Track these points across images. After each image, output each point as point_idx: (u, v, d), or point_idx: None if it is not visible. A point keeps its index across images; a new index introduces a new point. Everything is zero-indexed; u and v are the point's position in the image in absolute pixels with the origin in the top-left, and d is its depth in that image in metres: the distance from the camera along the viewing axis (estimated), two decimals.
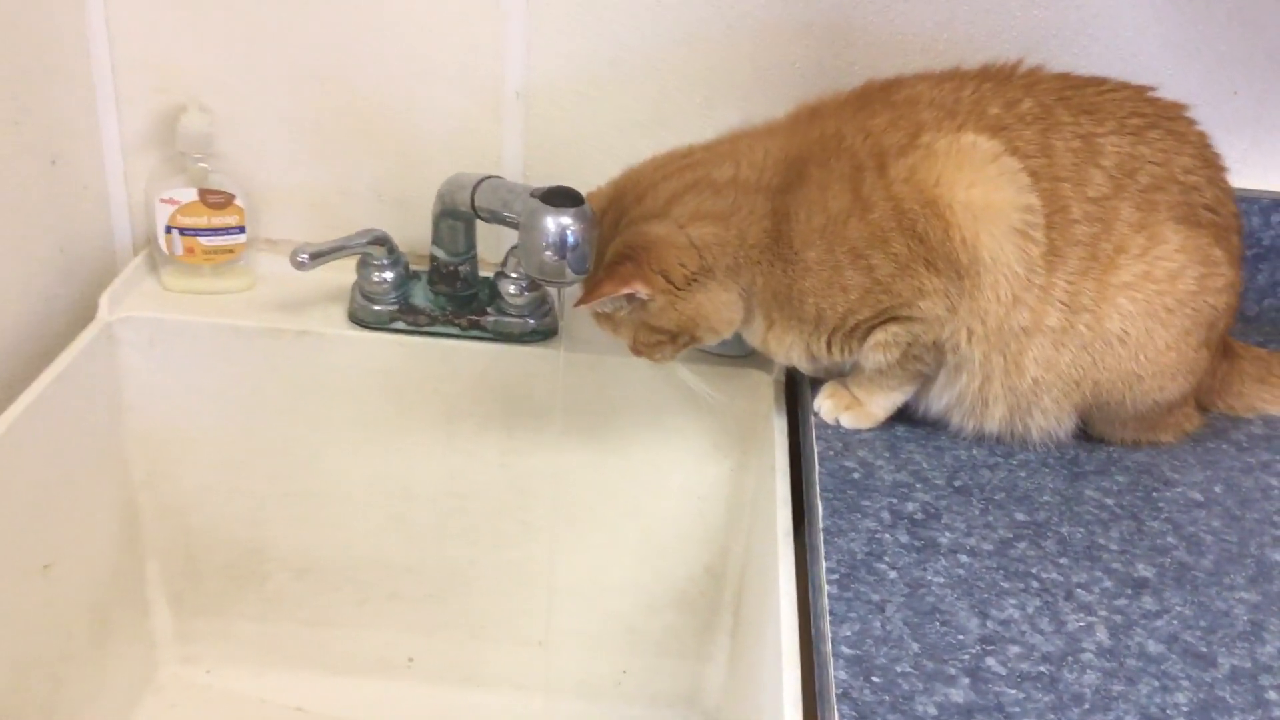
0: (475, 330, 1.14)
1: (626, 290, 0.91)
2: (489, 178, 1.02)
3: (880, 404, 0.97)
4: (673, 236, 0.92)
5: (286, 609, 1.27)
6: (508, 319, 1.14)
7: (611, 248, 0.93)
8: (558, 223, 0.88)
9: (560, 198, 0.89)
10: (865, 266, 0.90)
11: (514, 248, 1.12)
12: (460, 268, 1.13)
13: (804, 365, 0.98)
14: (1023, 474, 0.93)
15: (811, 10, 1.10)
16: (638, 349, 0.98)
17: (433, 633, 1.27)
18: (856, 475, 0.92)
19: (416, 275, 1.17)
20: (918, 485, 0.91)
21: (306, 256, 1.08)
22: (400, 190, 1.21)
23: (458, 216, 1.08)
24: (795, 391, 1.10)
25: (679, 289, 0.92)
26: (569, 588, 1.24)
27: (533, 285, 1.13)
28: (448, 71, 1.15)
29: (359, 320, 1.15)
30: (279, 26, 1.14)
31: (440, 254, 1.13)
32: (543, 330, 1.15)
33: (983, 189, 0.88)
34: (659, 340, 0.96)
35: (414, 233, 1.20)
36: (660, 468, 1.18)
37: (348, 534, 1.23)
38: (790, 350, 0.97)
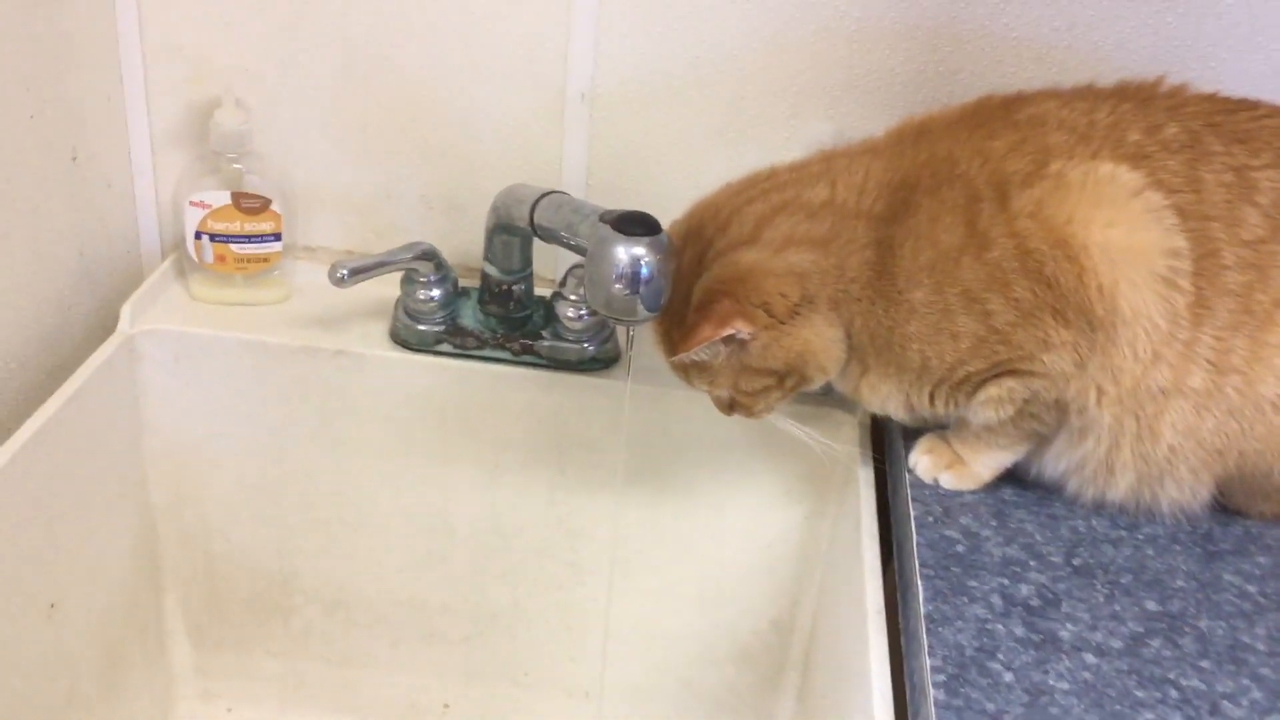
0: (528, 356, 1.04)
1: (727, 331, 0.80)
2: (552, 193, 0.91)
3: (987, 464, 0.86)
4: (768, 263, 0.81)
5: (314, 646, 1.17)
6: (564, 345, 1.03)
7: (699, 286, 0.82)
8: (630, 253, 0.77)
9: (634, 224, 0.78)
10: (980, 312, 0.79)
11: (574, 267, 1.02)
12: (514, 287, 1.03)
13: (900, 416, 0.87)
14: (1150, 551, 0.82)
15: (915, 11, 0.98)
16: (738, 401, 0.86)
17: (471, 679, 1.17)
18: (960, 548, 0.81)
19: (466, 293, 1.07)
20: (1031, 563, 0.80)
21: (346, 272, 0.98)
22: (451, 197, 1.10)
23: (513, 232, 0.98)
24: (882, 436, 0.98)
25: (782, 322, 0.81)
26: (620, 636, 1.13)
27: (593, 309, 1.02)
28: (506, 67, 1.04)
29: (401, 340, 1.04)
30: (323, 14, 1.04)
31: (492, 271, 1.02)
32: (602, 358, 1.04)
33: (1124, 229, 0.76)
34: (765, 386, 0.84)
35: (465, 243, 1.10)
36: (725, 511, 1.07)
37: (381, 569, 1.13)
38: (887, 400, 0.86)
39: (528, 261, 1.03)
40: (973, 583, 0.78)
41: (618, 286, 0.78)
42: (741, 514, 1.07)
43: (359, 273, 0.99)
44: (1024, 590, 0.77)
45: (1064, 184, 0.78)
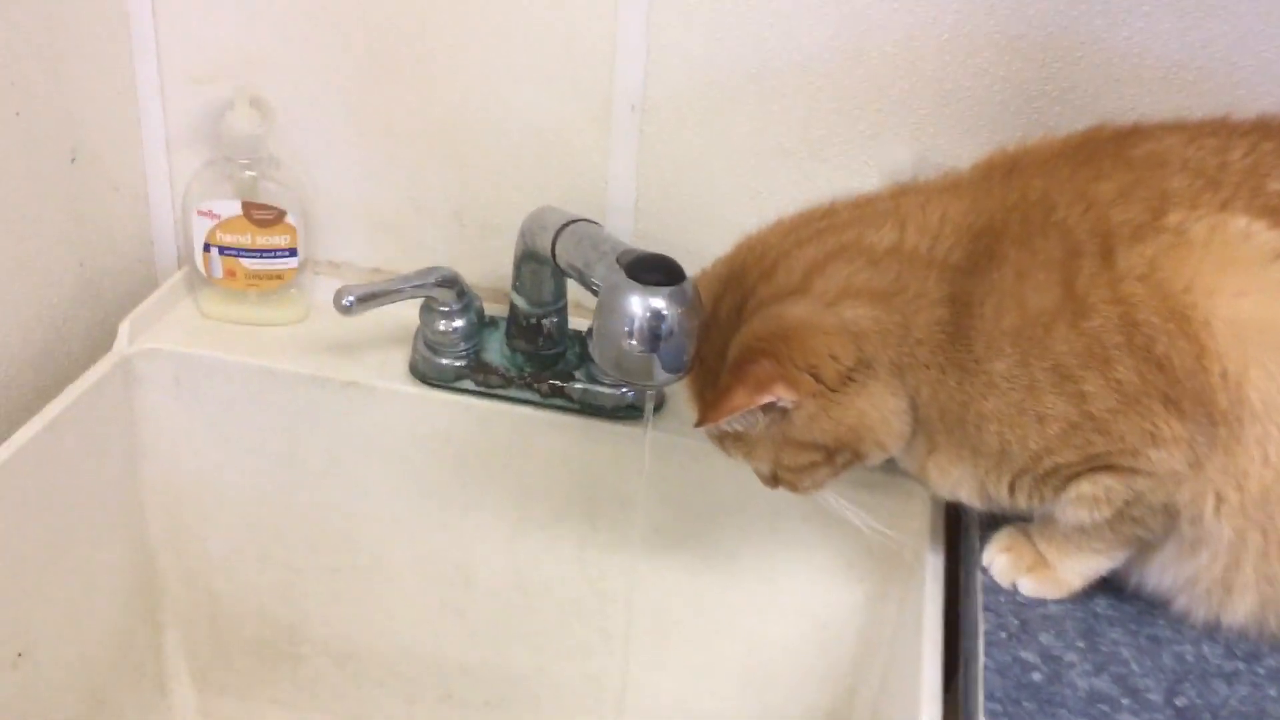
0: (558, 399, 0.92)
1: (765, 398, 0.67)
2: (577, 221, 0.78)
3: (1076, 570, 0.72)
4: (819, 319, 0.68)
5: (323, 698, 1.07)
6: (599, 389, 0.91)
7: (737, 341, 0.69)
8: (646, 305, 0.64)
9: (652, 270, 0.65)
10: (1074, 394, 0.64)
11: None
12: (544, 320, 0.91)
13: (973, 504, 0.73)
14: (1273, 691, 0.67)
15: (1019, 19, 0.83)
16: (780, 477, 0.74)
17: None
18: (1037, 676, 0.67)
19: (493, 324, 0.95)
20: (1124, 700, 0.65)
21: (353, 300, 0.87)
22: (485, 215, 0.99)
23: (542, 261, 0.86)
24: (957, 518, 0.84)
25: (833, 389, 0.68)
26: (652, 713, 1.01)
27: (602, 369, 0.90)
28: (548, 73, 0.92)
29: (420, 374, 0.93)
30: (348, 9, 0.93)
31: (521, 303, 0.90)
32: (641, 405, 0.91)
33: (1257, 300, 0.61)
34: (811, 462, 0.71)
35: (499, 266, 0.99)
36: (775, 584, 0.94)
37: (396, 621, 1.03)
38: (958, 486, 0.72)
39: (561, 293, 0.91)
40: None
41: (630, 344, 0.65)
42: (794, 588, 0.94)
43: (368, 300, 0.88)
44: None
45: (1184, 241, 0.63)
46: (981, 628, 0.70)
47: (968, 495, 0.72)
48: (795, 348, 0.68)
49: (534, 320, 0.90)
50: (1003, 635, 0.69)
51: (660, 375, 0.66)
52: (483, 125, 0.95)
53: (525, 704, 1.04)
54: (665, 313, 0.64)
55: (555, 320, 0.91)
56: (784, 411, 0.69)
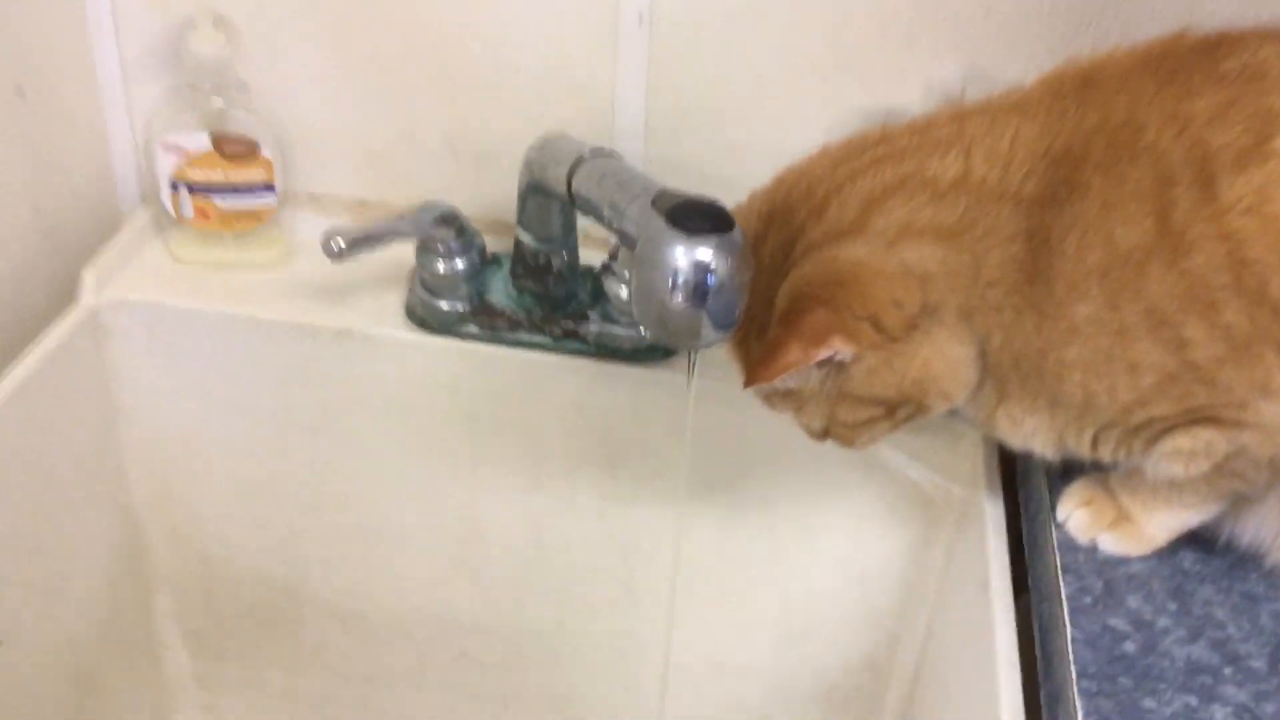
0: (571, 341, 0.84)
1: (822, 353, 0.60)
2: (597, 153, 0.70)
3: (1163, 525, 0.66)
4: (879, 261, 0.61)
5: (327, 661, 1.01)
6: (616, 329, 0.83)
7: (786, 287, 0.62)
8: (692, 257, 0.56)
9: (698, 216, 0.57)
10: (1172, 340, 0.57)
11: None
12: (553, 258, 0.83)
13: (1046, 454, 0.67)
14: None
15: None
16: (834, 433, 0.67)
17: (508, 705, 1.01)
18: (1130, 647, 0.61)
19: (496, 261, 0.87)
20: (1226, 670, 0.60)
21: (343, 243, 0.79)
22: (481, 143, 0.90)
23: (550, 194, 0.77)
24: (1013, 462, 0.78)
25: (895, 339, 0.61)
26: (683, 666, 0.95)
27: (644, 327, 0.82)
28: None
29: (418, 320, 0.85)
30: None
31: (527, 239, 0.82)
32: (662, 346, 0.84)
33: None
34: (870, 417, 0.65)
35: (497, 197, 0.90)
36: (812, 532, 0.88)
37: (404, 581, 0.96)
38: (1031, 437, 0.65)
39: (570, 227, 0.82)
40: (1149, 702, 0.58)
41: (677, 300, 0.57)
42: (833, 537, 0.88)
43: (360, 243, 0.80)
44: (1220, 716, 0.57)
45: None
46: (1063, 593, 0.63)
47: (1041, 446, 0.65)
48: (854, 294, 0.60)
49: (542, 258, 0.82)
50: (1087, 600, 0.63)
51: (709, 334, 0.58)
52: (477, 43, 0.86)
53: (545, 661, 0.98)
54: (714, 265, 0.56)
55: (565, 257, 0.83)
56: (841, 365, 0.62)
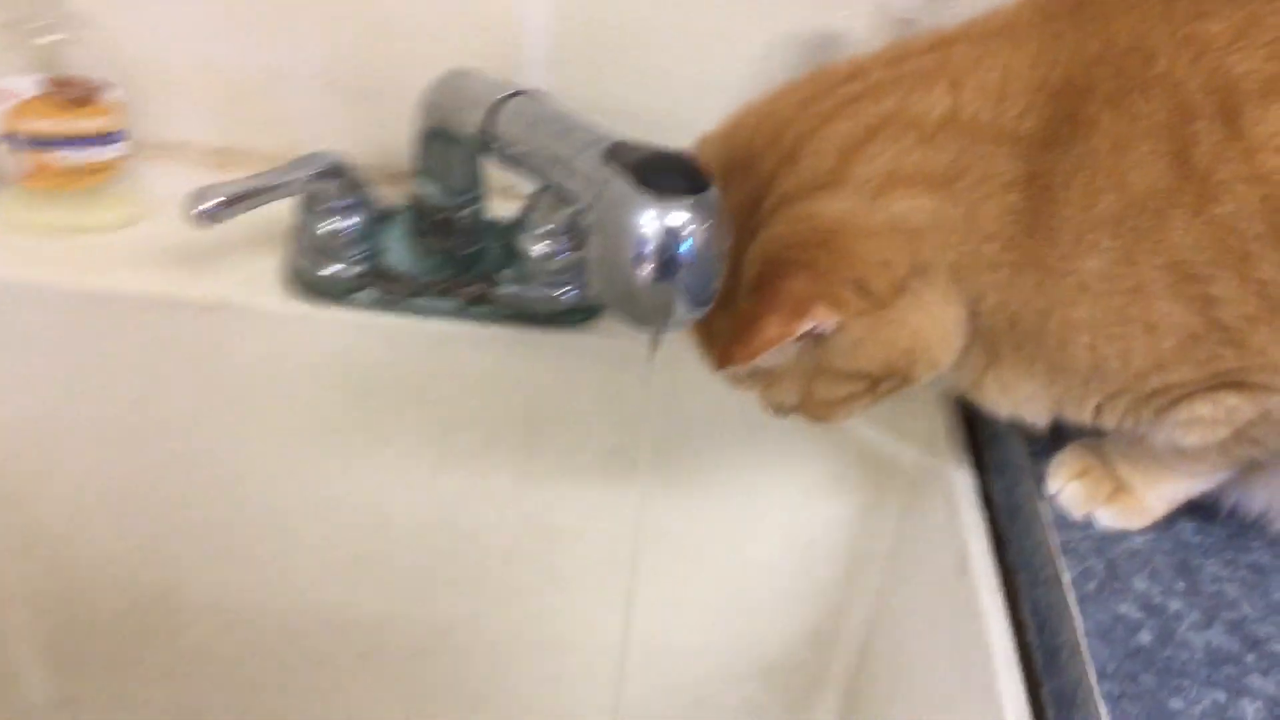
0: (481, 307, 0.74)
1: (805, 324, 0.52)
2: (518, 93, 0.60)
3: (1164, 496, 0.60)
4: (863, 217, 0.52)
5: (211, 669, 0.91)
6: (532, 291, 0.74)
7: (755, 250, 0.53)
8: (664, 222, 0.47)
9: (666, 173, 0.48)
10: (1198, 297, 0.51)
11: (544, 189, 0.71)
12: (459, 213, 0.72)
13: (1035, 421, 0.60)
14: None
15: None
16: (808, 410, 0.59)
17: (421, 702, 0.91)
18: (1146, 638, 0.55)
19: (389, 216, 0.77)
20: (1249, 658, 0.54)
21: (212, 205, 0.67)
22: (365, 78, 0.79)
23: (457, 140, 0.67)
24: (975, 424, 0.72)
25: (883, 305, 0.53)
26: (609, 651, 0.88)
27: (576, 240, 0.73)
28: None
29: (303, 288, 0.74)
30: None
31: (429, 193, 0.72)
32: (584, 308, 0.75)
33: None
34: (850, 393, 0.57)
35: (384, 141, 0.80)
36: (754, 502, 0.81)
37: (296, 577, 0.86)
38: (1022, 404, 0.58)
39: (476, 178, 0.72)
40: (1176, 702, 0.52)
41: (645, 274, 0.48)
42: (777, 505, 0.81)
43: (235, 203, 0.68)
44: (1250, 713, 0.52)
45: None
46: (1065, 576, 0.57)
47: (1033, 414, 0.59)
48: (837, 256, 0.52)
49: (446, 213, 0.72)
50: (1091, 585, 0.57)
51: (683, 312, 0.49)
52: None
53: (460, 654, 0.89)
54: (689, 231, 0.47)
55: (472, 211, 0.73)
56: (820, 336, 0.54)
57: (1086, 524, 0.60)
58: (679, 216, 0.47)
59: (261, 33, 0.77)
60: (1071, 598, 0.56)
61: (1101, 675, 0.52)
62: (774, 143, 0.55)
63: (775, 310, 0.52)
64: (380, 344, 0.75)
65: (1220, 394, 0.53)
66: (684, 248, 0.47)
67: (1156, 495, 0.60)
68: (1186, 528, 0.61)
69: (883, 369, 0.55)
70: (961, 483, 0.68)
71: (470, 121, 0.62)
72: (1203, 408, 0.53)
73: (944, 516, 0.69)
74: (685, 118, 0.77)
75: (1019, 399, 0.58)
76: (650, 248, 0.47)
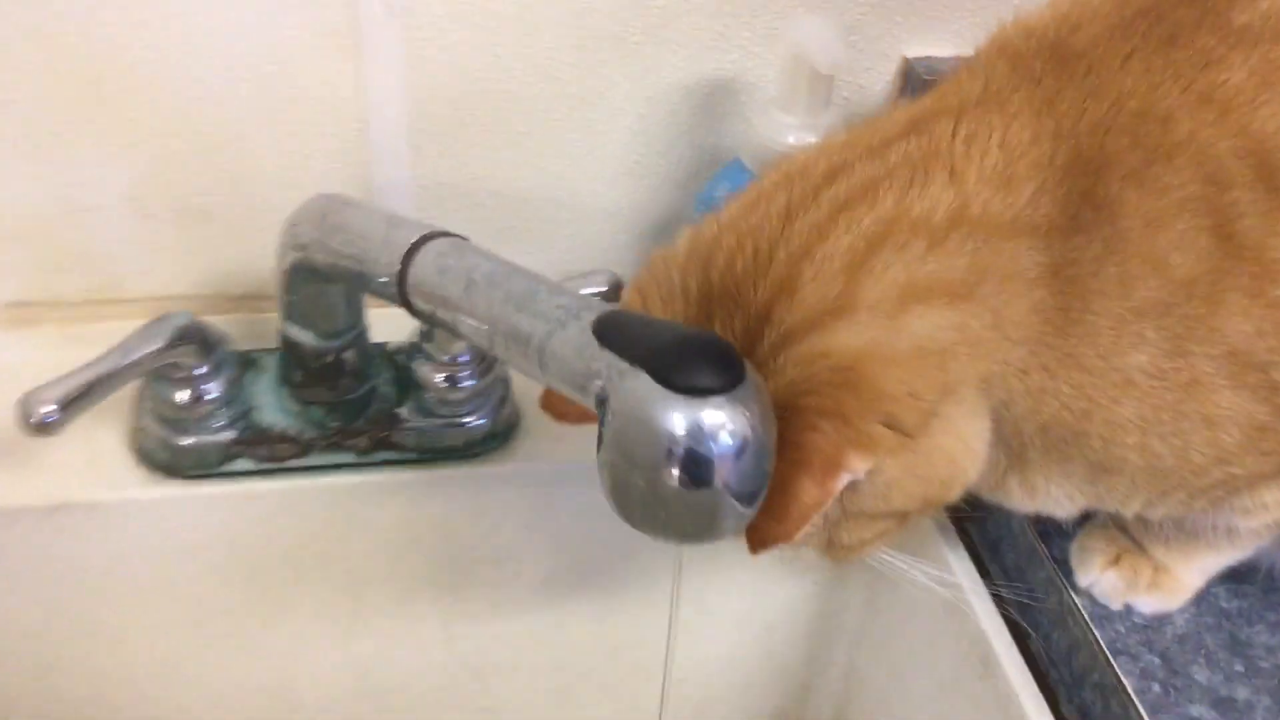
0: (385, 452, 0.64)
1: (843, 481, 0.44)
2: (434, 236, 0.49)
3: (1205, 571, 0.56)
4: (886, 345, 0.45)
5: None
6: (438, 423, 0.64)
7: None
8: (700, 428, 0.38)
9: (692, 362, 0.38)
10: (1263, 386, 0.46)
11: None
12: (344, 354, 0.61)
13: (1064, 515, 0.54)
14: None
15: None
16: (830, 553, 0.51)
17: None
18: None
19: (253, 363, 0.65)
20: None
21: (46, 414, 0.54)
22: (184, 196, 0.66)
23: (336, 279, 0.56)
24: None
25: (913, 436, 0.45)
26: None
27: (483, 362, 0.63)
28: None
29: (160, 465, 0.62)
30: None
31: (305, 338, 0.60)
32: (499, 432, 0.65)
33: None
34: (881, 531, 0.50)
35: (221, 265, 0.67)
36: (704, 598, 0.74)
37: None
38: (1052, 504, 0.52)
39: (357, 311, 0.61)
40: None
41: (675, 482, 0.39)
42: (729, 596, 0.74)
43: (77, 403, 0.55)
44: None
45: None
46: (1129, 688, 0.52)
47: (1063, 511, 0.53)
48: (863, 394, 0.45)
49: (329, 357, 0.61)
50: (1155, 689, 0.52)
51: (731, 522, 0.40)
52: (164, 62, 0.61)
53: None
54: (733, 430, 0.38)
55: (356, 351, 0.62)
56: (850, 484, 0.46)
57: (1123, 613, 0.55)
58: (715, 417, 0.38)
59: (45, 154, 0.63)
60: (1141, 709, 0.51)
61: None
62: (761, 267, 0.46)
63: (807, 473, 0.44)
64: (267, 513, 0.64)
65: None
66: (729, 450, 0.38)
67: (1197, 571, 0.55)
68: (1219, 593, 0.57)
69: (920, 504, 0.48)
70: (957, 565, 0.62)
71: (362, 264, 0.51)
72: (1269, 494, 0.49)
73: (934, 603, 0.63)
74: (567, 191, 0.69)
75: (1046, 501, 0.52)
76: (683, 456, 0.38)
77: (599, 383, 0.40)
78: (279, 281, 0.58)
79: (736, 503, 0.40)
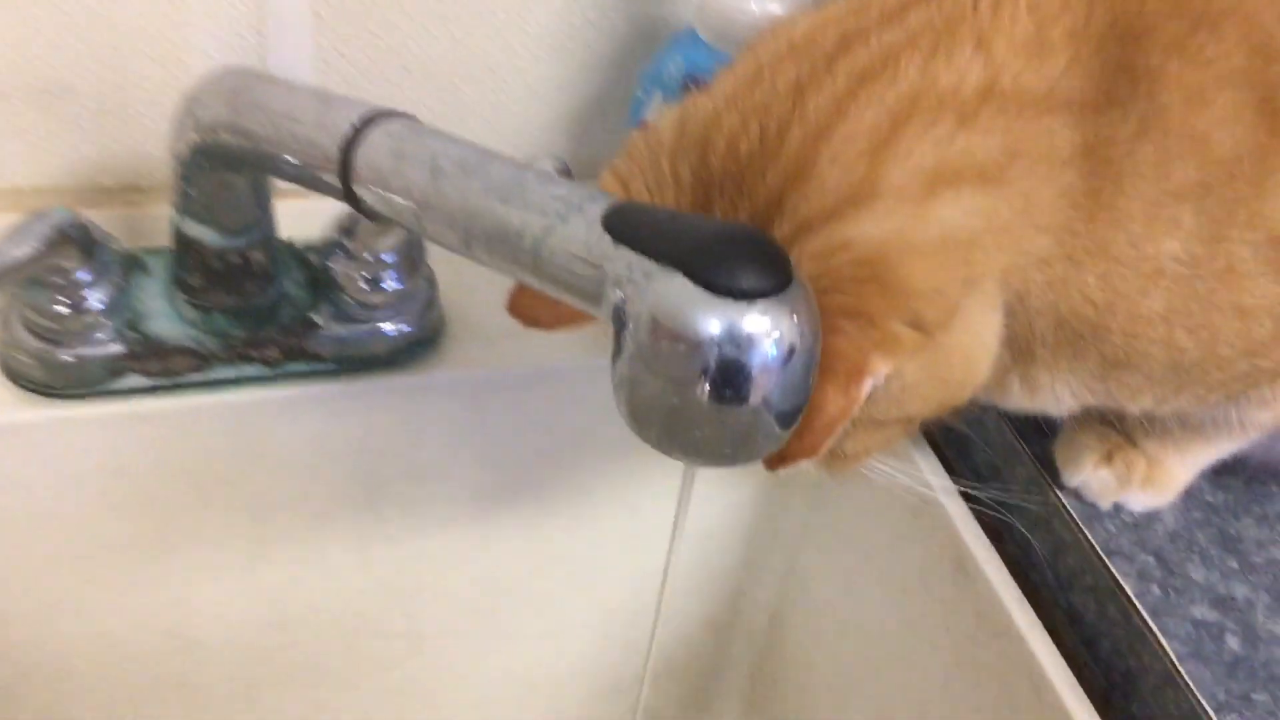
0: (299, 363, 0.57)
1: (868, 387, 0.40)
2: (381, 115, 0.42)
3: (1198, 463, 0.54)
4: (912, 234, 0.40)
5: None
6: (358, 329, 0.57)
7: None
8: (745, 337, 0.32)
9: (743, 263, 0.33)
10: None
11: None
12: (251, 253, 0.53)
13: (1060, 412, 0.51)
14: None
15: None
16: (829, 465, 0.47)
17: None
18: (1234, 643, 0.49)
19: (140, 265, 0.56)
20: None
21: None
22: (39, 70, 0.56)
23: (242, 164, 0.48)
24: None
25: (934, 334, 0.41)
26: (489, 697, 0.75)
27: (408, 261, 0.56)
28: None
29: (36, 384, 0.53)
30: None
31: (207, 235, 0.52)
32: (424, 338, 0.59)
33: None
34: (887, 437, 0.46)
35: (93, 152, 0.58)
36: (640, 511, 0.69)
37: (85, 715, 0.66)
38: (1048, 401, 0.49)
39: (266, 205, 0.53)
40: None
41: (723, 405, 0.33)
42: (661, 508, 0.69)
43: None
44: None
45: None
46: (1129, 587, 0.50)
47: (1062, 408, 0.50)
48: (890, 290, 0.40)
49: (234, 257, 0.53)
50: (1154, 590, 0.50)
51: (770, 436, 0.35)
52: None
53: None
54: (779, 339, 0.33)
55: (263, 248, 0.54)
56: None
57: (1113, 511, 0.53)
58: (759, 323, 0.32)
59: None
60: (1142, 611, 0.49)
61: (1219, 707, 0.46)
62: (771, 150, 0.41)
63: (830, 380, 0.39)
64: (161, 435, 0.56)
65: None
66: (772, 360, 0.33)
67: (1190, 465, 0.53)
68: (1204, 487, 0.55)
69: (935, 406, 0.44)
70: (925, 465, 0.59)
71: (290, 150, 0.44)
72: None
73: (896, 505, 0.60)
74: (484, 67, 0.62)
75: (1044, 398, 0.49)
76: (724, 370, 0.32)
77: (615, 287, 0.34)
78: (175, 170, 0.50)
79: (775, 422, 0.35)
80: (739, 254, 0.33)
